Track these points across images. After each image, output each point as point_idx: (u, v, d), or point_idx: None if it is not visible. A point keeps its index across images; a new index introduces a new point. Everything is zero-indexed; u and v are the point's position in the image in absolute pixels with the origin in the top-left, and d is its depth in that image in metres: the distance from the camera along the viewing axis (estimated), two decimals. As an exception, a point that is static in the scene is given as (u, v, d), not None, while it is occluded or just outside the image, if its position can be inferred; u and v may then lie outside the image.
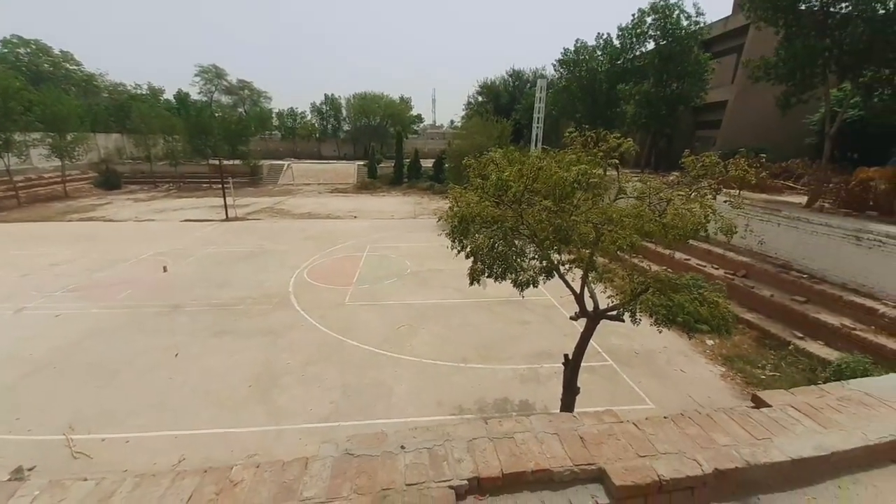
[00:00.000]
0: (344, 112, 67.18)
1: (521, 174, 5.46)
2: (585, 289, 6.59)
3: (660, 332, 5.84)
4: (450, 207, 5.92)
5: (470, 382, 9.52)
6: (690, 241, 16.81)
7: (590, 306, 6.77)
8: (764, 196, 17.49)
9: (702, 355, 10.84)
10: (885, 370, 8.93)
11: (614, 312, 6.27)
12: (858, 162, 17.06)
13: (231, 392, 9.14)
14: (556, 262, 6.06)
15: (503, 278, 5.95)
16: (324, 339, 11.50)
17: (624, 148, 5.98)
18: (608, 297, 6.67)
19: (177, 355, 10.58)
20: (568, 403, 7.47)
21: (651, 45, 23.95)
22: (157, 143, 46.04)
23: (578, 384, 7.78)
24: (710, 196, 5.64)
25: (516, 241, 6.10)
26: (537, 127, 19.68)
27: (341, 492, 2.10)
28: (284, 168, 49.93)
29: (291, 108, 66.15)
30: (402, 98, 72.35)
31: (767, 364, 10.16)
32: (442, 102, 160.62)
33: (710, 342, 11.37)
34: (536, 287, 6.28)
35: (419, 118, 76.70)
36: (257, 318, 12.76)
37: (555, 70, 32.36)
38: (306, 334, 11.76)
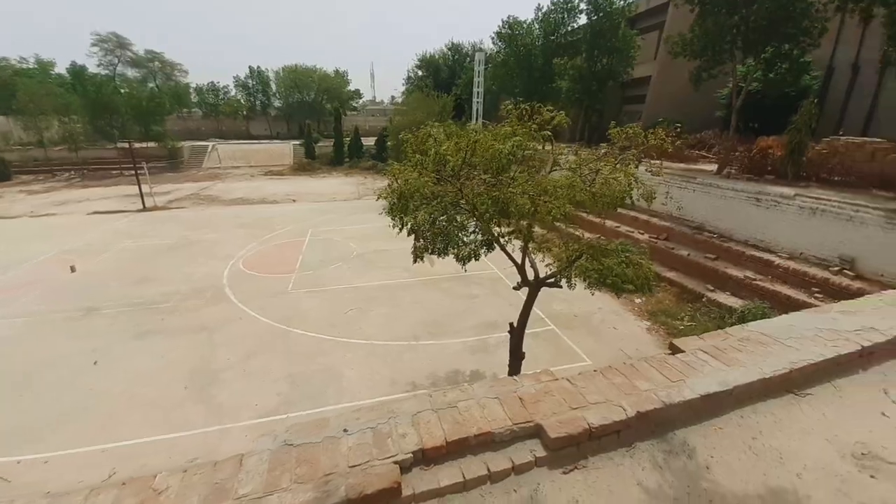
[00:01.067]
0: (273, 87, 62.28)
1: (458, 148, 5.43)
2: (526, 259, 6.84)
3: (592, 295, 6.26)
4: (388, 184, 5.77)
5: (422, 359, 9.65)
6: (619, 210, 18.10)
7: (531, 276, 7.06)
8: (682, 165, 19.09)
9: (631, 313, 11.86)
10: (779, 313, 10.36)
11: (553, 279, 6.60)
12: (759, 132, 19.10)
13: (164, 395, 8.48)
14: (496, 235, 6.20)
15: (445, 254, 5.99)
16: (266, 329, 10.97)
17: (557, 121, 6.15)
18: (546, 266, 6.98)
19: (96, 363, 9.55)
20: (515, 368, 7.85)
21: (584, 20, 24.59)
22: (50, 125, 39.82)
23: (524, 349, 8.20)
24: (633, 165, 6.02)
25: (457, 216, 6.13)
26: (477, 101, 19.65)
27: (280, 483, 2.03)
28: (209, 150, 45.68)
29: (212, 82, 60.11)
30: (337, 71, 68.47)
31: (685, 316, 11.37)
32: (383, 78, 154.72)
33: (637, 300, 12.45)
34: (478, 260, 6.40)
35: (357, 94, 73.26)
36: (188, 314, 11.83)
37: (493, 44, 32.29)
38: (246, 327, 11.14)
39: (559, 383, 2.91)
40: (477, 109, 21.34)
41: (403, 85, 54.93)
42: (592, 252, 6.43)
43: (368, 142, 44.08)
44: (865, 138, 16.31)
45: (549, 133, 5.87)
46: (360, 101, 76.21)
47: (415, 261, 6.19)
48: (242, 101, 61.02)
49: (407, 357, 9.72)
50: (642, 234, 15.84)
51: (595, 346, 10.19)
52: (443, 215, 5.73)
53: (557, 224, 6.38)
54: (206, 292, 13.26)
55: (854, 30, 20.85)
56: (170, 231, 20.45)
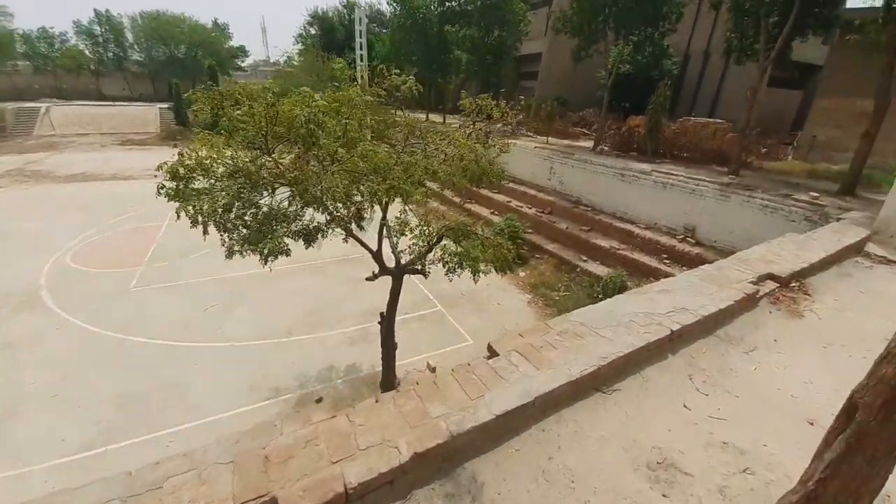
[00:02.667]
0: (130, 37, 51.55)
1: (252, 112, 4.44)
2: (385, 245, 6.24)
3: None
4: (178, 160, 4.56)
5: (293, 357, 8.70)
6: (511, 184, 18.65)
7: (392, 262, 6.50)
8: (566, 141, 20.14)
9: (515, 287, 12.21)
10: (637, 280, 11.44)
11: (413, 266, 6.12)
12: (630, 111, 20.86)
13: (-76, 444, 6.36)
14: (335, 217, 5.37)
15: (259, 252, 5.02)
16: (93, 342, 8.95)
17: (406, 86, 5.46)
18: (408, 249, 6.45)
19: None
20: (387, 360, 7.38)
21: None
22: None
23: (396, 340, 7.75)
24: (482, 140, 5.65)
25: (259, 202, 5.08)
26: (361, 65, 17.94)
27: None
28: (41, 113, 36.47)
29: (44, 27, 47.55)
30: (216, 23, 59.18)
31: (561, 286, 12.03)
32: (280, 37, 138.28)
33: (522, 274, 12.87)
34: (289, 256, 5.39)
35: (242, 50, 64.38)
36: (-19, 329, 9.15)
37: (387, 3, 30.12)
38: (65, 341, 8.96)
39: (332, 423, 2.34)
40: (362, 75, 19.67)
41: (294, 43, 49.30)
42: (452, 234, 6.06)
43: (256, 108, 39.13)
44: (710, 119, 18.74)
45: (396, 97, 5.17)
46: (251, 61, 67.39)
47: (228, 257, 5.15)
48: (88, 52, 49.55)
49: (275, 357, 8.67)
50: (530, 208, 16.40)
51: (479, 323, 10.21)
52: (239, 201, 4.73)
53: (418, 201, 5.76)
54: (14, 298, 10.41)
55: (707, 20, 23.62)
56: (-32, 219, 15.78)
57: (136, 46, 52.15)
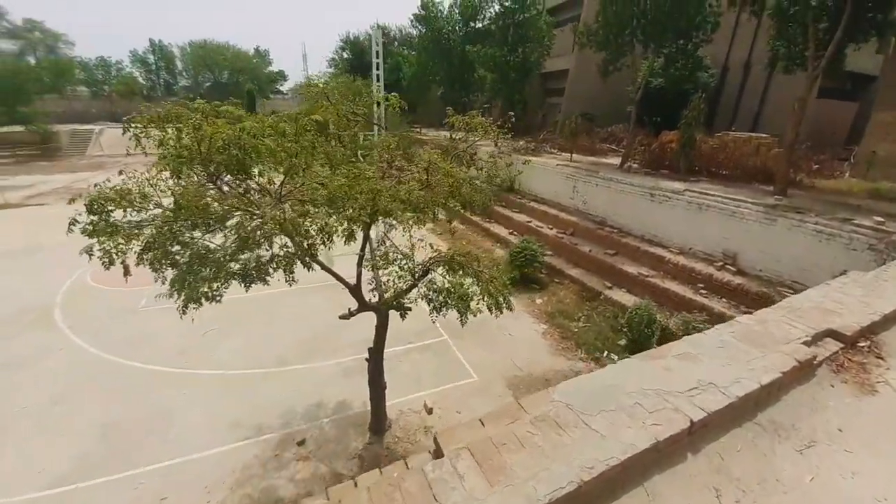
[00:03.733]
0: (179, 64, 55.44)
1: (179, 135, 4.00)
2: (366, 279, 5.65)
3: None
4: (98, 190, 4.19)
5: (283, 389, 8.19)
6: (531, 203, 17.79)
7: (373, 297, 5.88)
8: (592, 158, 19.16)
9: (530, 315, 11.27)
10: (667, 311, 10.26)
11: (396, 304, 5.47)
12: (662, 126, 19.66)
13: None
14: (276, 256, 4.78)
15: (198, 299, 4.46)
16: (92, 363, 8.84)
17: (391, 104, 4.93)
18: (391, 283, 5.79)
19: None
20: (376, 401, 6.72)
21: (498, 7, 23.80)
22: None
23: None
24: (467, 163, 5.00)
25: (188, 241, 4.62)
26: (377, 85, 17.70)
27: None
28: (95, 134, 39.37)
29: (101, 56, 51.96)
30: (257, 50, 62.79)
31: (582, 316, 10.99)
32: (320, 62, 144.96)
33: (538, 301, 11.92)
34: (220, 302, 4.81)
35: (282, 75, 67.80)
36: (-9, 346, 9.28)
37: (411, 26, 30.61)
38: (66, 360, 8.91)
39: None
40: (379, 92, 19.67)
41: (329, 67, 51.14)
42: (445, 265, 5.38)
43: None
44: (752, 133, 17.26)
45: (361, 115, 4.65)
46: (291, 85, 70.62)
47: (184, 314, 4.63)
48: (141, 78, 53.59)
49: (264, 389, 8.20)
50: (551, 228, 15.48)
51: (486, 357, 9.37)
52: (163, 237, 4.28)
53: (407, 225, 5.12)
54: (28, 315, 10.62)
55: (747, 30, 22.20)
56: (11, 233, 16.71)
57: (184, 73, 55.97)
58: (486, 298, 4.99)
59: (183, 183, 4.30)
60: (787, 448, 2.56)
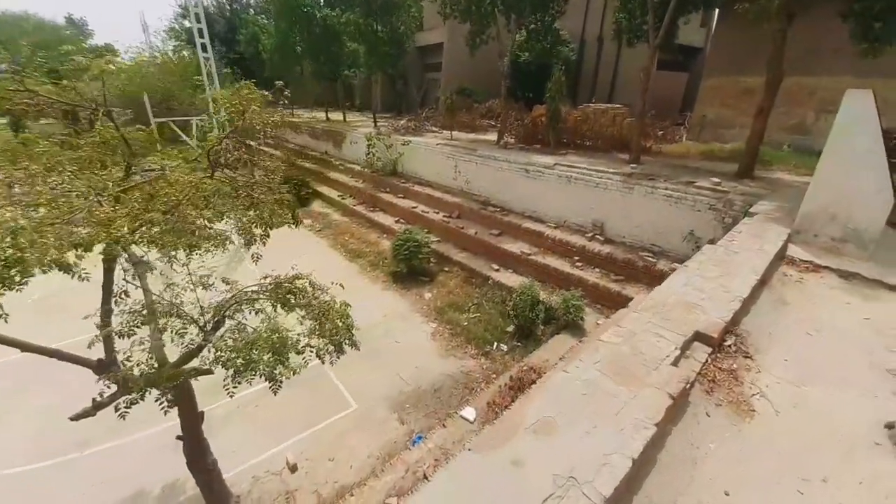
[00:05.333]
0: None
1: None
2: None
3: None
4: None
5: (83, 481, 5.97)
6: (416, 187, 16.78)
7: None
8: (472, 135, 18.72)
9: (419, 313, 10.36)
10: (549, 288, 10.18)
11: (188, 372, 3.86)
12: (534, 100, 20.00)
13: None
14: None
15: None
16: None
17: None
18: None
19: None
20: (207, 485, 5.06)
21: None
22: None
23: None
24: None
25: None
26: (204, 56, 14.64)
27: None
28: None
29: None
30: (70, 19, 50.02)
31: (472, 305, 10.43)
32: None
33: (427, 295, 11.08)
34: None
35: (110, 49, 54.93)
36: None
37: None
38: None
39: None
40: (209, 70, 16.31)
41: (165, 40, 42.62)
42: (272, 296, 3.93)
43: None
44: (609, 104, 18.42)
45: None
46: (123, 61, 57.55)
47: None
48: None
49: (56, 484, 5.89)
50: (437, 213, 14.65)
51: (368, 375, 8.15)
52: None
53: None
54: None
55: (599, 4, 23.63)
56: None
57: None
58: (317, 340, 3.71)
59: None
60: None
